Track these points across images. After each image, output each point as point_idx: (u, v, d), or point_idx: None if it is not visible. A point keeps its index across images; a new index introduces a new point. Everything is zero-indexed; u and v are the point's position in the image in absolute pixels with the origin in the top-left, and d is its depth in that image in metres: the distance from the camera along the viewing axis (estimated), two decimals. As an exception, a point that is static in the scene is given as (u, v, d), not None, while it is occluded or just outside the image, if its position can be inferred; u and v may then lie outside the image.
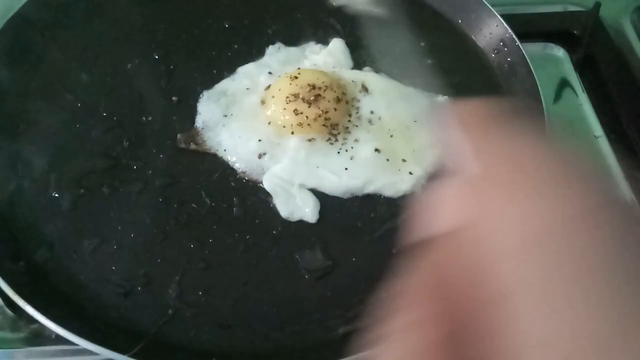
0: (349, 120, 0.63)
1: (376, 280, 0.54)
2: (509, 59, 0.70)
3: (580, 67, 0.82)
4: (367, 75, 0.68)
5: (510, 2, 0.84)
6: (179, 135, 0.63)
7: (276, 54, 0.70)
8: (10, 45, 0.67)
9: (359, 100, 0.64)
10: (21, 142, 0.61)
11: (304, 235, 0.57)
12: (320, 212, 0.58)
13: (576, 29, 0.84)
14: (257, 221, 0.58)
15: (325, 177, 0.59)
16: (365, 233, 0.58)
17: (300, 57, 0.70)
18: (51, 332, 0.57)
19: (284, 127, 0.61)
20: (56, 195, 0.58)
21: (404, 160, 0.61)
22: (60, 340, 0.56)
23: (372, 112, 0.64)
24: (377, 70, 0.70)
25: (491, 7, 0.72)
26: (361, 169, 0.60)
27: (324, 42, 0.72)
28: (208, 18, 0.74)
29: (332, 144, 0.61)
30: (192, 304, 0.52)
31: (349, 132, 0.62)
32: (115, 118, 0.64)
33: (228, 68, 0.69)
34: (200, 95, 0.66)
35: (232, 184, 0.60)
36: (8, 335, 0.58)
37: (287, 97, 0.62)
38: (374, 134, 0.62)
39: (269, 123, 0.62)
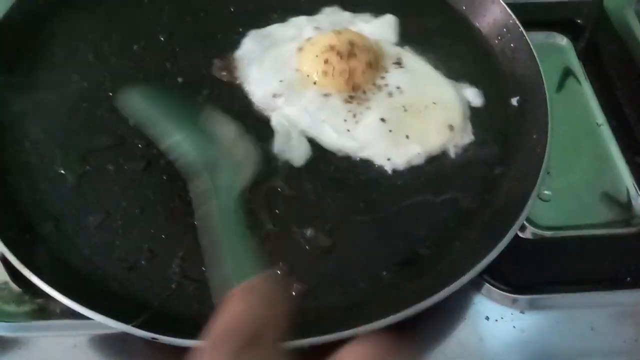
0: (372, 85, 0.65)
1: (375, 258, 0.55)
2: (512, 45, 0.71)
3: (584, 56, 0.82)
4: (404, 52, 0.70)
5: (515, -11, 0.84)
6: (216, 60, 0.67)
7: (330, 15, 0.74)
8: (18, 26, 0.68)
9: (387, 72, 0.67)
10: (28, 119, 0.62)
11: (304, 212, 0.58)
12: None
13: (580, 18, 0.84)
14: (260, 200, 0.58)
15: (326, 131, 0.62)
16: (365, 213, 0.58)
17: (350, 22, 0.73)
18: (56, 306, 0.58)
19: (308, 76, 0.65)
20: (62, 171, 0.59)
21: (407, 137, 0.62)
22: (65, 314, 0.57)
23: (396, 87, 0.65)
24: (417, 52, 0.71)
25: (495, -6, 0.73)
26: (362, 133, 0.62)
27: (379, 14, 0.74)
28: (213, 1, 0.75)
29: (345, 104, 0.63)
30: (194, 279, 0.53)
31: (365, 99, 0.64)
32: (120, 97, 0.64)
33: (232, 49, 0.70)
34: (247, 33, 0.70)
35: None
36: (14, 309, 0.58)
37: (324, 46, 0.65)
38: (388, 106, 0.64)
39: (297, 70, 0.66)
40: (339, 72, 0.64)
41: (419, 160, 0.61)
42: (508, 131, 0.65)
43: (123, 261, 0.53)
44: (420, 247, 0.56)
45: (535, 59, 0.67)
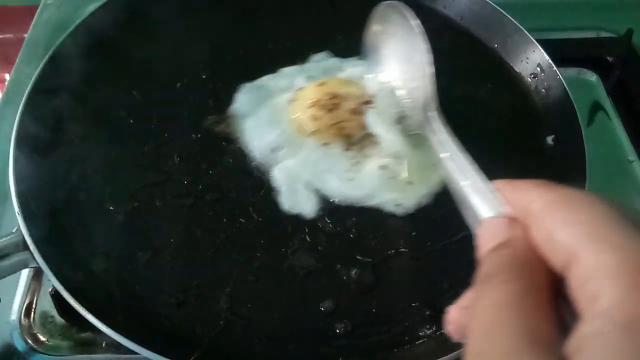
0: (367, 134, 0.64)
1: (419, 297, 0.56)
2: (545, 84, 0.72)
3: (613, 92, 0.83)
4: None
5: (545, 27, 0.86)
6: (210, 117, 0.67)
7: (319, 62, 0.73)
8: (64, 66, 0.69)
9: None
10: (77, 156, 0.64)
11: (348, 250, 0.58)
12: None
13: (609, 55, 0.85)
14: (302, 236, 0.59)
15: (330, 181, 0.62)
16: (407, 250, 0.59)
17: (339, 68, 0.72)
18: (101, 340, 0.59)
19: (303, 129, 0.64)
20: (111, 207, 0.60)
21: (410, 182, 0.61)
22: (109, 348, 0.59)
23: None
24: None
25: (528, 33, 0.74)
26: (365, 182, 0.62)
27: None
28: (252, 39, 0.77)
29: (345, 152, 0.63)
30: (242, 316, 0.53)
31: (364, 145, 0.63)
32: (166, 135, 0.66)
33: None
34: (242, 87, 0.69)
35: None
36: (59, 342, 0.60)
37: (309, 102, 0.64)
38: (387, 152, 0.63)
39: (292, 121, 0.65)
40: (328, 125, 0.63)
41: (426, 199, 0.61)
42: (544, 171, 0.65)
43: (172, 297, 0.54)
44: (463, 285, 0.56)
45: (570, 97, 0.68)
